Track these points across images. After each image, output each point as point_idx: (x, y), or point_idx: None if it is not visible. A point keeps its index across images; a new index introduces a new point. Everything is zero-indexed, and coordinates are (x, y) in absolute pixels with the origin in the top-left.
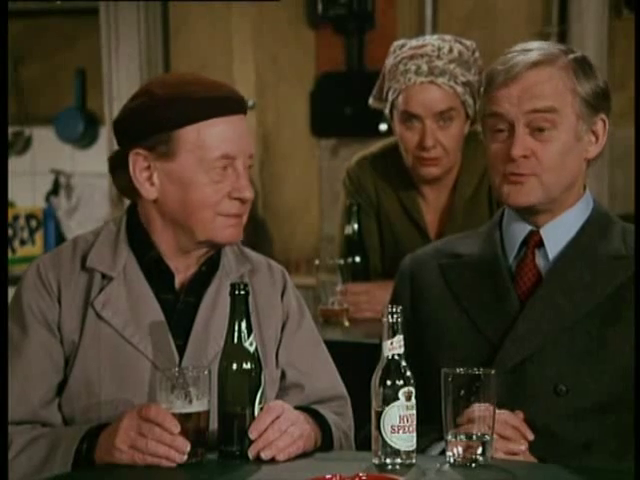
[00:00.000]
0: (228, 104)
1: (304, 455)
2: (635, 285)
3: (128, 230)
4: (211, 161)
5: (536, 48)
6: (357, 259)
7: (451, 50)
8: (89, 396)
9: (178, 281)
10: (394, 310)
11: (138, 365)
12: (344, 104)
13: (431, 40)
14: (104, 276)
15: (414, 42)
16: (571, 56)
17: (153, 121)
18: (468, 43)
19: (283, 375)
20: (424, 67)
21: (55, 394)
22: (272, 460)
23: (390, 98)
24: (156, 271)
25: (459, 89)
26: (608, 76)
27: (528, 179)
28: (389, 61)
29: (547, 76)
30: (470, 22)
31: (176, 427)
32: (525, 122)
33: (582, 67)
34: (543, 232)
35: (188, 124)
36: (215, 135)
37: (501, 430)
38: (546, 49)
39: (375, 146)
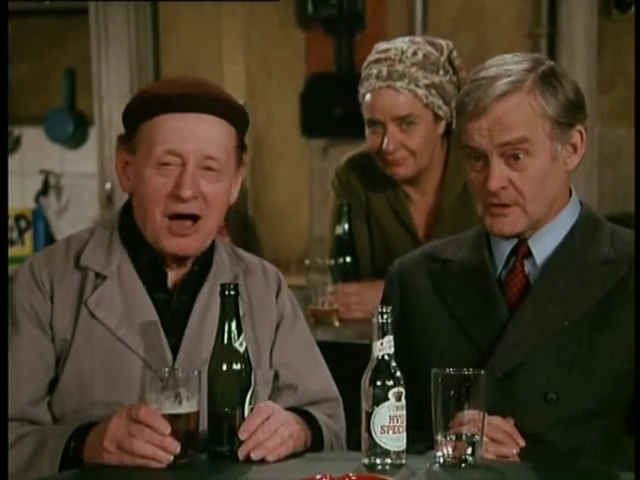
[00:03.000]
0: (188, 101)
1: (294, 455)
2: (635, 285)
3: (121, 229)
4: (156, 156)
5: (502, 73)
6: (347, 259)
7: (415, 53)
8: (81, 395)
9: (171, 280)
10: (384, 310)
11: (130, 364)
12: (334, 105)
13: (398, 43)
14: (98, 275)
15: (384, 45)
16: (539, 71)
17: (126, 117)
18: (443, 44)
19: (276, 376)
20: (384, 71)
21: (45, 393)
22: (262, 461)
23: (360, 102)
24: (149, 270)
25: (420, 92)
26: (597, 77)
27: (511, 210)
28: (363, 64)
29: (515, 105)
30: (460, 23)
31: (166, 428)
32: (498, 153)
33: (550, 83)
34: (531, 243)
35: (146, 119)
36: (164, 130)
37: (493, 434)
38: (513, 72)
39: (363, 146)
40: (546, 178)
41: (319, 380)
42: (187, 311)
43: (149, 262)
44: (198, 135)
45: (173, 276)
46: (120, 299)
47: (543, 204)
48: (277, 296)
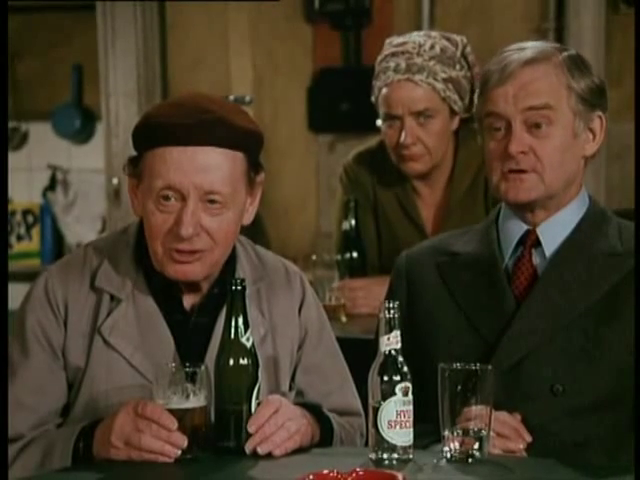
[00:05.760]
0: (189, 134)
1: (301, 450)
2: (635, 284)
3: (137, 248)
4: (156, 190)
5: (530, 47)
6: (354, 255)
7: (433, 47)
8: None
9: (188, 302)
10: (391, 305)
11: (146, 392)
12: (341, 100)
13: (415, 37)
14: (112, 297)
15: (400, 39)
16: (565, 54)
17: (134, 141)
18: (458, 39)
19: (299, 393)
20: (402, 64)
21: (53, 417)
22: (269, 455)
23: (375, 96)
24: (164, 293)
25: (439, 86)
26: (605, 72)
27: (529, 176)
28: (378, 58)
29: (542, 73)
30: (467, 17)
31: (173, 423)
32: (522, 119)
33: (576, 64)
34: (540, 231)
35: (148, 149)
36: (164, 164)
37: (500, 429)
38: (540, 47)
39: (372, 142)
40: (565, 152)
41: (344, 396)
42: (207, 333)
43: (163, 285)
44: (199, 170)
45: (190, 298)
46: (135, 324)
47: (559, 177)
48: (301, 308)
